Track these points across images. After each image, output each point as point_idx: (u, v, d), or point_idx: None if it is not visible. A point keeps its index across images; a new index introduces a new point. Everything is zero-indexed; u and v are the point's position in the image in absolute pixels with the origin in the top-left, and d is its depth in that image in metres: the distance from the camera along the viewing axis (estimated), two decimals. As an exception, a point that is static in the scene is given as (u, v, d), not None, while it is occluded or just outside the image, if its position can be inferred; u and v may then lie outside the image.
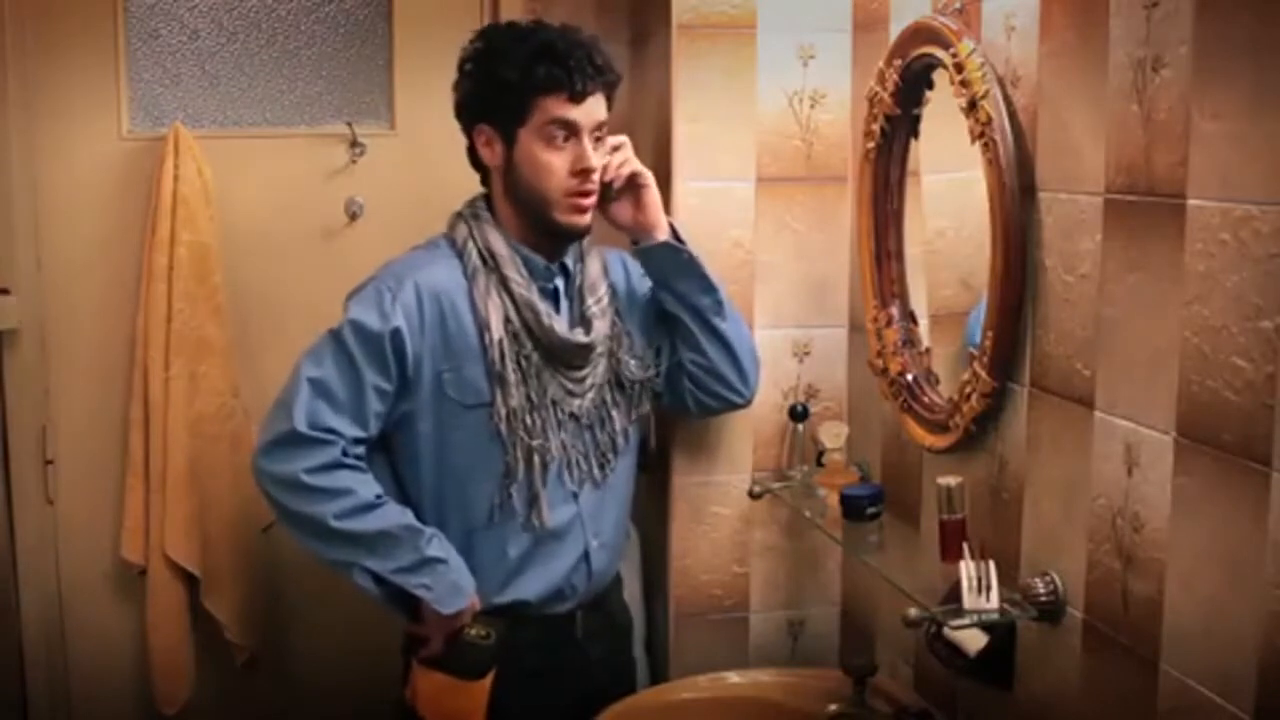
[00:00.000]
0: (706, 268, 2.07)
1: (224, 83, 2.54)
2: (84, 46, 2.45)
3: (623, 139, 2.01)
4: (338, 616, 2.58)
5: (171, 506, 2.46)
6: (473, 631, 1.91)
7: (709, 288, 2.07)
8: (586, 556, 2.03)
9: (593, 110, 1.92)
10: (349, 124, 2.56)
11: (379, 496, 1.91)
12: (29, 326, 2.47)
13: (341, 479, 1.89)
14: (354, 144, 2.57)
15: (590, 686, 2.05)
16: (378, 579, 1.90)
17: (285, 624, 2.67)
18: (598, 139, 1.95)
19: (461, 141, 2.01)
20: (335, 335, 1.92)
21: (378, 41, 2.60)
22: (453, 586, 1.91)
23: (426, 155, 2.58)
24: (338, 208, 2.59)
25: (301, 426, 1.87)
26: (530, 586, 2.00)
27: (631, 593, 2.30)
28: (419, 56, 2.59)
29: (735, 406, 2.17)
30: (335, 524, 1.86)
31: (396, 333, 1.90)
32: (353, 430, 1.90)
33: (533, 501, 1.96)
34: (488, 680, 1.92)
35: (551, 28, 1.95)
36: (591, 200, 1.96)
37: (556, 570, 2.01)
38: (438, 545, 1.91)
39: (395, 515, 1.91)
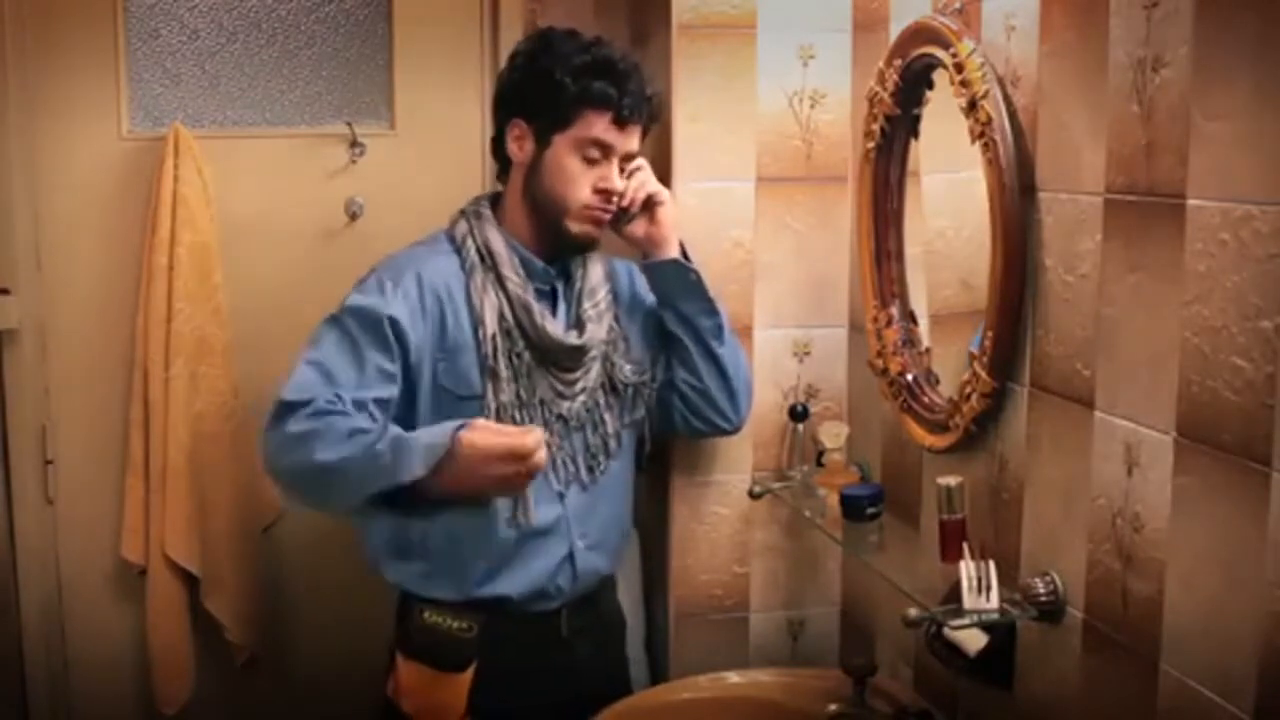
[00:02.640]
0: (711, 291, 2.08)
1: (224, 83, 2.54)
2: (84, 46, 2.45)
3: (641, 161, 2.02)
4: (338, 616, 2.58)
5: (171, 506, 2.46)
6: (454, 624, 1.92)
7: (711, 310, 2.08)
8: (571, 557, 2.03)
9: (629, 140, 1.96)
10: (349, 124, 2.56)
11: (355, 430, 1.83)
12: (29, 326, 2.47)
13: (322, 421, 1.83)
14: (354, 144, 2.56)
15: (579, 685, 2.05)
16: (390, 503, 1.86)
17: (285, 624, 2.66)
18: (623, 168, 1.97)
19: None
20: (335, 320, 1.93)
21: (378, 41, 2.59)
22: (428, 448, 1.82)
23: (426, 155, 2.58)
24: (338, 208, 2.58)
25: (290, 396, 1.86)
26: (512, 583, 1.99)
27: (631, 593, 2.30)
28: (419, 56, 2.58)
29: (722, 433, 2.17)
30: (320, 459, 1.81)
31: (396, 320, 1.91)
32: (346, 395, 1.85)
33: (517, 498, 1.96)
34: (469, 673, 1.93)
35: (614, 46, 1.97)
36: (607, 217, 1.98)
37: (539, 569, 2.01)
38: (391, 433, 1.83)
39: (364, 441, 1.83)
